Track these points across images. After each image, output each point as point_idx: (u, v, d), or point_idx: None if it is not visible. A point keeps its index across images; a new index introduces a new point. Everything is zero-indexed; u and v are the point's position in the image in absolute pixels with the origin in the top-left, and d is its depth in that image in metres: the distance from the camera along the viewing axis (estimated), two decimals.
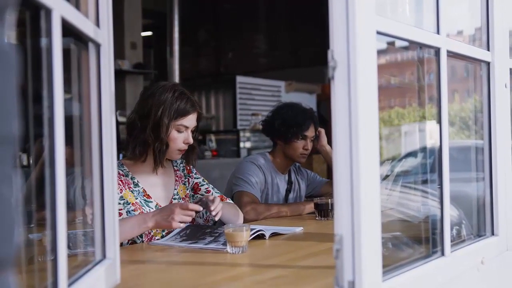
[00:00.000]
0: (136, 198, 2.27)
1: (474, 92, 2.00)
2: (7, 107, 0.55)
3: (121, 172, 2.27)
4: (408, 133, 2.17)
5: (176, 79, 8.18)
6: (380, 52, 1.25)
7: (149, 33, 9.91)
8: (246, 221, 2.72)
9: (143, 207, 2.27)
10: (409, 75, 2.07)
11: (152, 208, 2.29)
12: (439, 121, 1.54)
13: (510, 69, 1.93)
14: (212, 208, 2.15)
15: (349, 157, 1.16)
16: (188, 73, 9.49)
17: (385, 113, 1.38)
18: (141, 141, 2.27)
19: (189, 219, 1.99)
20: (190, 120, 2.32)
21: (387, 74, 1.23)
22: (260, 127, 3.29)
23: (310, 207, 2.86)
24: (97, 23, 1.35)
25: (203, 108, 8.52)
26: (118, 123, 4.77)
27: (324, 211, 2.70)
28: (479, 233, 1.85)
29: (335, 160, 1.17)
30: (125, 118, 6.47)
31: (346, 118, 1.16)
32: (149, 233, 2.22)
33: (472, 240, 1.77)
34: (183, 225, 1.97)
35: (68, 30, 1.10)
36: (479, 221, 1.87)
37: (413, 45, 1.61)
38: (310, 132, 3.03)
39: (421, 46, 1.60)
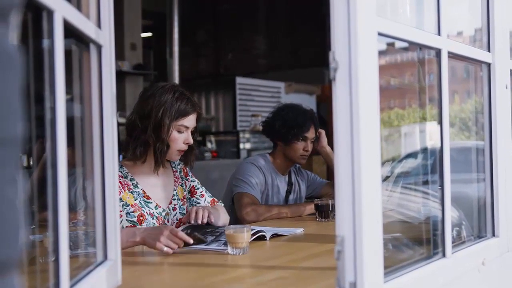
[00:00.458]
0: (136, 199, 2.27)
1: (474, 93, 2.00)
2: (12, 109, 0.55)
3: (120, 174, 2.27)
4: (408, 134, 2.17)
5: (176, 80, 8.18)
6: (379, 53, 1.25)
7: (148, 34, 9.91)
8: (246, 222, 2.72)
9: (142, 208, 2.27)
10: (409, 76, 2.07)
11: (152, 209, 2.29)
12: (440, 122, 1.54)
13: (511, 70, 1.93)
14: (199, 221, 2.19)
15: (351, 158, 1.16)
16: (188, 74, 9.49)
17: (384, 114, 1.38)
18: (142, 142, 2.26)
19: (175, 246, 1.88)
20: (191, 120, 2.32)
21: (386, 75, 1.23)
22: (260, 128, 3.28)
23: (310, 208, 2.86)
24: (99, 24, 1.35)
25: (203, 109, 8.53)
26: (118, 124, 4.77)
27: (325, 212, 2.69)
28: (480, 234, 1.85)
29: (337, 161, 1.18)
30: (125, 119, 6.48)
31: (348, 119, 1.16)
32: None
33: (473, 242, 1.77)
34: (166, 249, 1.88)
35: (69, 31, 1.10)
36: (480, 222, 1.87)
37: (413, 46, 1.61)
38: (311, 134, 3.03)
39: (422, 47, 1.60)
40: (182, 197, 2.46)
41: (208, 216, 2.22)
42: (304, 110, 3.07)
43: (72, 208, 1.29)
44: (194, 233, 1.96)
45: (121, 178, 2.26)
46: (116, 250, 1.41)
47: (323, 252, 1.98)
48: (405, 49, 1.74)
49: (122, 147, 2.34)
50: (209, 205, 2.50)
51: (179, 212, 2.42)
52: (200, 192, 2.52)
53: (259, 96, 8.33)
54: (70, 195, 1.06)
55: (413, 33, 1.45)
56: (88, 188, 1.43)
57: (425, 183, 1.92)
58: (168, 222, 2.36)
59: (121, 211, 2.19)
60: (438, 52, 1.53)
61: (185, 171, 2.53)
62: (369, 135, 1.18)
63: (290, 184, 3.16)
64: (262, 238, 2.16)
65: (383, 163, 1.29)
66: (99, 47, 1.35)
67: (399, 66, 1.90)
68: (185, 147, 2.34)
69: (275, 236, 2.23)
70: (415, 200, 1.97)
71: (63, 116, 1.01)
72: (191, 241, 1.90)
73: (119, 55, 7.49)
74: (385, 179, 1.83)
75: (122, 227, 2.20)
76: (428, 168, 1.90)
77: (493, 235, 1.83)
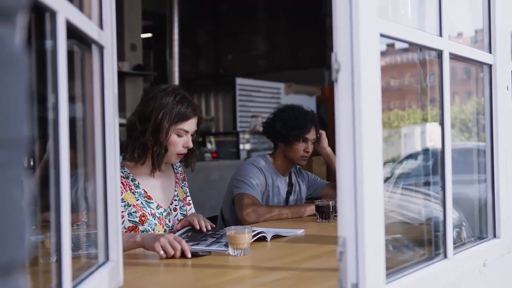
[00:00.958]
0: (137, 200, 2.27)
1: (474, 94, 2.00)
2: (18, 110, 0.55)
3: (121, 174, 2.27)
4: (408, 135, 2.17)
5: (176, 80, 8.18)
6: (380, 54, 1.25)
7: (148, 34, 9.91)
8: (247, 223, 2.72)
9: (144, 208, 2.27)
10: (409, 77, 2.07)
11: (153, 209, 2.30)
12: (442, 124, 1.54)
13: None
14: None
15: (353, 159, 1.16)
16: (188, 75, 9.48)
17: (384, 115, 1.38)
18: (140, 144, 2.26)
19: (171, 251, 1.86)
20: (191, 125, 2.31)
21: (386, 75, 1.23)
22: (261, 129, 3.28)
23: (311, 209, 2.86)
24: (101, 25, 1.36)
25: (203, 110, 8.53)
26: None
27: (325, 213, 2.69)
28: (481, 236, 1.85)
29: (339, 162, 1.18)
30: (125, 120, 6.48)
31: (350, 120, 1.16)
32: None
33: (474, 243, 1.77)
34: (162, 253, 1.86)
35: (72, 32, 1.10)
36: (481, 224, 1.87)
37: (412, 47, 1.61)
38: (311, 135, 3.03)
39: (424, 48, 1.60)
40: (182, 199, 2.47)
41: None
42: (304, 111, 3.07)
43: (74, 208, 1.29)
44: (194, 251, 1.94)
45: (122, 178, 2.26)
46: (118, 251, 1.41)
47: (324, 253, 1.98)
48: (404, 50, 1.74)
49: (122, 148, 2.33)
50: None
51: (180, 213, 2.42)
52: (189, 200, 2.54)
53: (259, 97, 8.33)
54: (71, 195, 1.06)
55: (414, 34, 1.45)
56: (89, 189, 1.43)
57: (426, 184, 1.92)
58: (169, 222, 2.36)
59: (122, 212, 2.20)
60: (439, 54, 1.53)
61: (184, 175, 2.54)
62: (371, 136, 1.18)
63: (290, 185, 3.16)
64: (263, 239, 2.16)
65: (383, 164, 1.29)
66: (101, 48, 1.35)
67: (398, 67, 1.90)
68: (184, 151, 2.33)
69: (276, 237, 2.23)
70: (416, 201, 1.97)
71: (65, 116, 1.01)
72: (189, 255, 1.87)
73: (119, 55, 7.46)
74: (386, 180, 1.83)
75: (124, 227, 2.20)
76: (429, 169, 1.91)
77: (494, 236, 1.83)
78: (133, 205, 2.24)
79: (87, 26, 1.22)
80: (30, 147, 0.59)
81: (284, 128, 2.99)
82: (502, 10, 1.84)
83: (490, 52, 1.83)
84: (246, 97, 8.23)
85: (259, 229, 2.17)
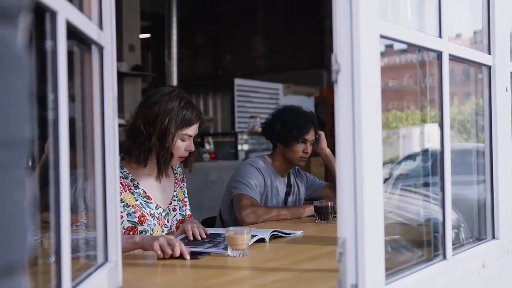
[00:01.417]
0: (137, 200, 2.27)
1: (472, 95, 2.01)
2: (20, 111, 0.55)
3: (121, 174, 2.27)
4: (407, 136, 2.17)
5: (174, 81, 8.17)
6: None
7: (147, 35, 9.91)
8: (245, 224, 2.72)
9: (143, 208, 2.27)
10: (407, 78, 2.08)
11: (152, 209, 2.30)
12: (441, 125, 1.54)
13: (511, 72, 1.93)
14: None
15: (352, 160, 1.16)
16: (186, 76, 9.48)
17: (382, 116, 1.38)
18: (146, 149, 2.27)
19: (169, 251, 1.86)
20: (194, 129, 2.33)
21: (384, 76, 1.23)
22: (259, 129, 3.28)
23: (309, 210, 2.86)
24: (100, 26, 1.35)
25: (201, 111, 8.51)
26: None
27: (324, 214, 2.69)
28: (480, 237, 1.85)
29: (338, 163, 1.17)
30: (123, 120, 6.47)
31: (349, 121, 1.16)
32: (151, 233, 2.22)
33: (473, 244, 1.77)
34: (160, 253, 1.86)
35: (71, 32, 1.10)
36: (480, 225, 1.88)
37: (411, 48, 1.61)
38: (310, 136, 3.03)
39: (424, 49, 1.60)
40: (182, 199, 2.47)
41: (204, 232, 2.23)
42: (304, 112, 3.07)
43: (72, 209, 1.29)
44: (193, 252, 1.94)
45: (121, 178, 2.26)
46: (117, 252, 1.41)
47: (324, 254, 1.98)
48: (403, 51, 1.74)
49: (124, 150, 2.34)
50: (186, 217, 2.49)
51: (179, 213, 2.43)
52: (185, 202, 2.54)
53: (258, 98, 8.33)
54: (70, 194, 1.06)
55: (414, 36, 1.45)
56: (88, 189, 1.43)
57: (425, 185, 1.92)
58: (168, 222, 2.36)
59: (122, 212, 2.20)
60: (439, 55, 1.53)
61: (183, 176, 2.55)
62: (371, 137, 1.18)
63: (289, 186, 3.16)
64: (262, 239, 2.16)
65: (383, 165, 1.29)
66: (100, 49, 1.35)
67: (397, 68, 1.90)
68: (186, 154, 2.35)
69: (275, 237, 2.23)
70: (415, 202, 1.97)
71: (65, 117, 1.01)
72: (188, 257, 1.87)
73: (118, 56, 7.40)
74: (384, 181, 1.83)
75: (123, 228, 2.20)
76: (427, 170, 1.91)
77: (493, 237, 1.83)
78: (132, 206, 2.24)
79: (87, 27, 1.22)
80: (30, 147, 0.59)
81: (283, 129, 2.99)
82: (501, 11, 1.84)
83: (490, 54, 1.83)
84: (245, 97, 8.23)
85: (258, 235, 2.16)
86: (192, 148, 2.34)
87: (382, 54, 1.29)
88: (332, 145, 2.45)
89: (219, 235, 2.20)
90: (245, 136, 7.64)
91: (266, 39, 10.12)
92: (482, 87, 1.86)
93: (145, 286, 1.61)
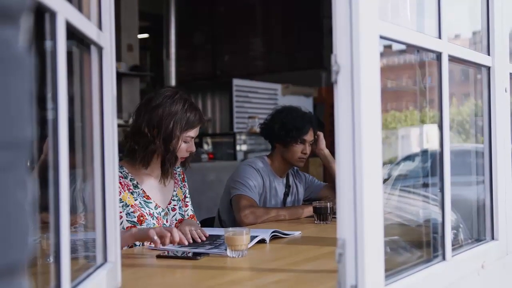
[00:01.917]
0: (136, 200, 2.27)
1: (471, 96, 2.01)
2: (22, 112, 0.55)
3: (120, 174, 2.27)
4: (405, 136, 2.17)
5: (173, 81, 8.17)
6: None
7: (145, 35, 9.90)
8: (244, 224, 2.72)
9: (142, 208, 2.27)
10: (406, 78, 2.08)
11: (152, 209, 2.30)
12: (441, 126, 1.54)
13: (510, 73, 1.93)
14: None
15: (352, 161, 1.16)
16: (185, 76, 9.47)
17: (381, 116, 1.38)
18: (150, 151, 2.28)
19: (167, 234, 1.90)
20: (197, 131, 2.36)
21: (383, 77, 1.23)
22: (258, 130, 3.28)
23: (308, 210, 2.86)
24: (100, 26, 1.35)
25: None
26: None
27: (323, 215, 2.69)
28: (479, 238, 1.85)
29: (338, 163, 1.17)
30: (121, 121, 6.46)
31: (349, 121, 1.16)
32: None
33: (472, 245, 1.77)
34: (157, 238, 1.89)
35: (70, 33, 1.10)
36: (479, 226, 1.88)
37: (410, 48, 1.61)
38: (309, 136, 3.03)
39: (423, 50, 1.60)
40: (182, 199, 2.48)
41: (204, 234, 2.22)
42: (303, 113, 3.07)
43: (71, 209, 1.29)
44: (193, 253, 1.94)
45: (121, 178, 2.27)
46: (116, 253, 1.41)
47: (323, 254, 1.98)
48: (402, 52, 1.74)
49: (126, 152, 2.34)
50: (188, 217, 2.49)
51: (179, 213, 2.43)
52: (186, 202, 2.54)
53: (256, 98, 8.32)
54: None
55: (414, 37, 1.45)
56: (87, 189, 1.43)
57: (424, 185, 1.92)
58: (167, 222, 2.36)
59: (121, 212, 2.20)
60: (438, 55, 1.53)
61: (183, 176, 2.55)
62: (370, 138, 1.18)
63: (288, 186, 3.16)
64: (261, 240, 2.15)
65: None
66: (100, 49, 1.35)
67: (395, 69, 1.90)
68: (187, 155, 2.37)
69: (274, 238, 2.23)
70: (414, 203, 1.97)
71: (65, 117, 1.01)
72: (186, 242, 1.92)
73: (116, 56, 7.40)
74: (383, 181, 1.83)
75: (123, 227, 2.20)
76: (426, 171, 1.91)
77: (493, 238, 1.83)
78: (131, 205, 2.25)
79: (87, 27, 1.22)
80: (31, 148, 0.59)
81: (282, 130, 2.99)
82: (500, 12, 1.84)
83: (489, 54, 1.83)
84: (243, 98, 8.22)
85: (259, 236, 2.15)
86: (194, 149, 2.36)
87: (381, 55, 1.29)
88: (330, 145, 2.45)
89: (219, 236, 2.20)
90: (243, 137, 7.63)
91: (264, 39, 10.11)
92: (481, 88, 1.86)
93: (145, 287, 1.61)
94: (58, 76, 1.00)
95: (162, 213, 2.35)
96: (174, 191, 2.46)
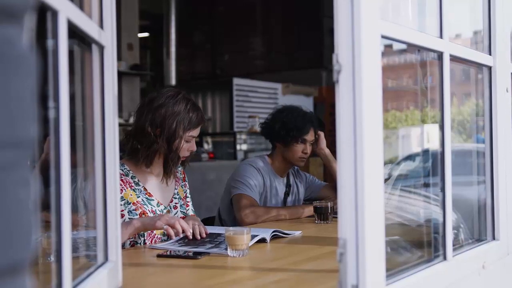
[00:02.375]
0: (138, 197, 2.28)
1: (472, 95, 2.00)
2: (26, 111, 0.55)
3: (121, 172, 2.28)
4: (406, 136, 2.17)
5: (173, 80, 8.17)
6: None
7: (145, 34, 9.89)
8: (245, 224, 2.72)
9: (144, 205, 2.28)
10: (406, 78, 2.07)
11: (154, 206, 2.32)
12: (442, 125, 1.54)
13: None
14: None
15: (353, 161, 1.16)
16: (185, 75, 9.48)
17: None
18: (153, 151, 2.29)
19: (175, 222, 2.02)
20: (198, 131, 2.38)
21: (384, 76, 1.23)
22: (257, 129, 3.28)
23: (309, 210, 2.86)
24: (101, 25, 1.35)
25: None
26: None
27: (324, 214, 2.69)
28: (480, 238, 1.85)
29: (339, 163, 1.17)
30: (121, 119, 6.46)
31: (351, 121, 1.16)
32: (151, 232, 2.22)
33: (473, 245, 1.77)
34: (165, 227, 1.99)
35: (72, 31, 1.09)
36: (480, 226, 1.87)
37: (411, 48, 1.61)
38: (310, 136, 3.03)
39: (425, 50, 1.60)
40: (183, 197, 2.49)
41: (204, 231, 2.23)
42: (303, 113, 3.06)
43: (72, 207, 1.29)
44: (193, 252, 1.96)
45: (122, 176, 2.27)
46: (117, 252, 1.40)
47: (323, 254, 1.98)
48: (402, 51, 1.74)
49: (128, 151, 2.35)
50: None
51: (180, 211, 2.44)
52: (187, 201, 2.54)
53: (256, 97, 8.32)
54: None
55: (415, 36, 1.45)
56: (88, 188, 1.43)
57: (424, 185, 1.92)
58: None
59: (122, 210, 2.20)
60: (440, 55, 1.53)
61: (183, 176, 2.56)
62: (372, 138, 1.18)
63: (288, 186, 3.16)
64: (262, 240, 2.15)
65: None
66: (101, 48, 1.35)
67: (396, 68, 1.90)
68: (188, 154, 2.39)
69: (274, 238, 2.23)
70: (414, 202, 1.97)
71: (66, 116, 1.01)
72: (190, 234, 2.01)
73: (116, 55, 7.44)
74: (384, 181, 1.83)
75: None
76: (427, 170, 1.91)
77: (493, 238, 1.83)
78: (133, 203, 2.25)
79: (88, 26, 1.21)
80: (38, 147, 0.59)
81: (282, 129, 2.99)
82: (502, 12, 1.84)
83: (490, 54, 1.83)
84: (243, 97, 8.22)
85: (259, 235, 2.15)
86: (195, 148, 2.39)
87: (382, 54, 1.29)
88: (331, 145, 2.44)
89: (219, 234, 2.20)
90: (243, 136, 7.63)
91: (264, 38, 10.10)
92: (482, 87, 1.86)
93: (145, 286, 1.61)
94: (60, 75, 0.99)
95: (164, 211, 2.36)
96: (175, 189, 2.47)
